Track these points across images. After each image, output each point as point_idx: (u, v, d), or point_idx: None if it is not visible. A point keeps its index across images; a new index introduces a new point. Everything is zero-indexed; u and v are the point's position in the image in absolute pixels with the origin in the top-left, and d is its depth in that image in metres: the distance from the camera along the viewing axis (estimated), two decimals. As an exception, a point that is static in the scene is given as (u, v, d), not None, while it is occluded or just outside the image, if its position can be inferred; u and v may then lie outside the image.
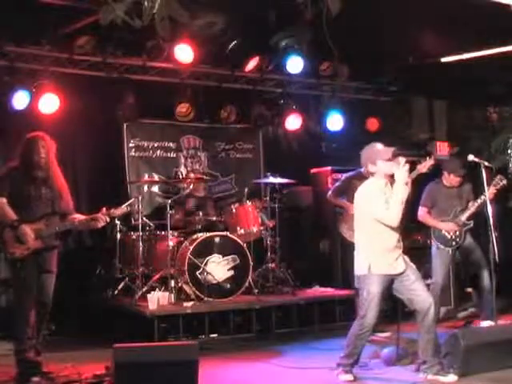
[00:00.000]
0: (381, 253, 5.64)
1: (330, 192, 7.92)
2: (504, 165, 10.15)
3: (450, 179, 7.71)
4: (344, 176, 7.87)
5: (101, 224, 5.95)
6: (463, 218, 7.71)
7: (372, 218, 5.63)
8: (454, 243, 7.76)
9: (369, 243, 5.68)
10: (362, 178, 6.26)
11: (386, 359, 6.28)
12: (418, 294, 5.66)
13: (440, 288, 7.70)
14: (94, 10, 6.69)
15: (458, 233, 7.71)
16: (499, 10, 6.84)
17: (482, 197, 7.18)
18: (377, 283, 5.61)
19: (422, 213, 7.77)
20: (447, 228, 7.73)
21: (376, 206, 5.60)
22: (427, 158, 6.96)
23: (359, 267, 5.72)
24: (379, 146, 5.84)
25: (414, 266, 5.79)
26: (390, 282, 5.67)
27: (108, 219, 5.97)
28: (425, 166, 6.96)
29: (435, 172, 7.50)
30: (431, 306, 5.63)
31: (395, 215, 5.56)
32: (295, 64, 8.66)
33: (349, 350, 5.76)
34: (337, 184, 8.01)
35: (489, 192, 7.18)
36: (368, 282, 5.63)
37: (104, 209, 6.00)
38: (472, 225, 7.74)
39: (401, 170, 5.57)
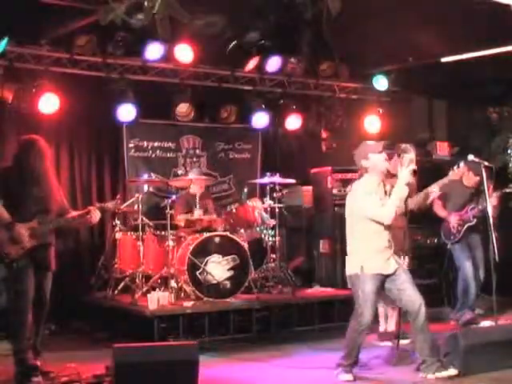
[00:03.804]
0: (372, 253, 5.65)
1: None
2: (504, 165, 10.15)
3: (469, 177, 7.77)
4: None
5: (94, 219, 5.93)
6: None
7: (363, 218, 5.63)
8: (452, 237, 7.88)
9: (360, 243, 5.70)
10: None
11: (386, 359, 6.29)
12: (408, 294, 5.66)
13: (473, 275, 7.75)
14: (93, 10, 6.70)
15: (459, 228, 7.78)
16: (499, 10, 6.84)
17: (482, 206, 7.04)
18: (370, 282, 5.62)
19: (436, 205, 7.89)
20: (448, 217, 7.88)
21: (369, 204, 5.60)
22: (460, 166, 6.70)
23: (351, 267, 5.75)
24: (370, 142, 5.99)
25: (405, 267, 5.82)
26: (382, 281, 5.68)
27: (99, 214, 5.94)
28: (457, 175, 6.83)
29: (435, 172, 7.49)
30: (421, 306, 5.62)
31: (389, 213, 5.57)
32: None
33: (348, 349, 5.76)
34: None
35: None
36: (362, 282, 5.64)
37: (96, 203, 6.01)
38: (474, 222, 7.83)
39: (404, 169, 5.58)
